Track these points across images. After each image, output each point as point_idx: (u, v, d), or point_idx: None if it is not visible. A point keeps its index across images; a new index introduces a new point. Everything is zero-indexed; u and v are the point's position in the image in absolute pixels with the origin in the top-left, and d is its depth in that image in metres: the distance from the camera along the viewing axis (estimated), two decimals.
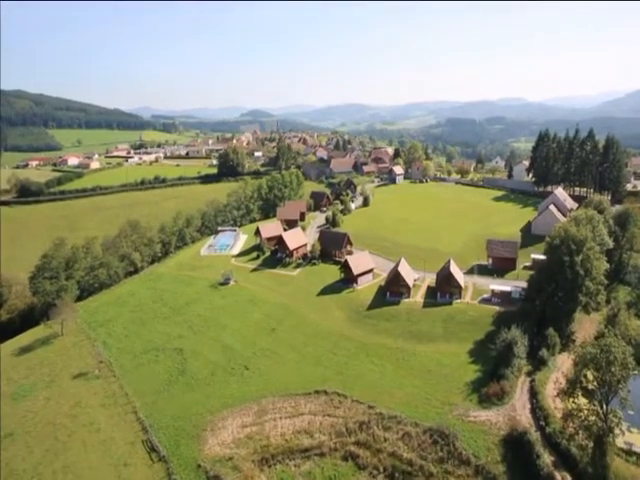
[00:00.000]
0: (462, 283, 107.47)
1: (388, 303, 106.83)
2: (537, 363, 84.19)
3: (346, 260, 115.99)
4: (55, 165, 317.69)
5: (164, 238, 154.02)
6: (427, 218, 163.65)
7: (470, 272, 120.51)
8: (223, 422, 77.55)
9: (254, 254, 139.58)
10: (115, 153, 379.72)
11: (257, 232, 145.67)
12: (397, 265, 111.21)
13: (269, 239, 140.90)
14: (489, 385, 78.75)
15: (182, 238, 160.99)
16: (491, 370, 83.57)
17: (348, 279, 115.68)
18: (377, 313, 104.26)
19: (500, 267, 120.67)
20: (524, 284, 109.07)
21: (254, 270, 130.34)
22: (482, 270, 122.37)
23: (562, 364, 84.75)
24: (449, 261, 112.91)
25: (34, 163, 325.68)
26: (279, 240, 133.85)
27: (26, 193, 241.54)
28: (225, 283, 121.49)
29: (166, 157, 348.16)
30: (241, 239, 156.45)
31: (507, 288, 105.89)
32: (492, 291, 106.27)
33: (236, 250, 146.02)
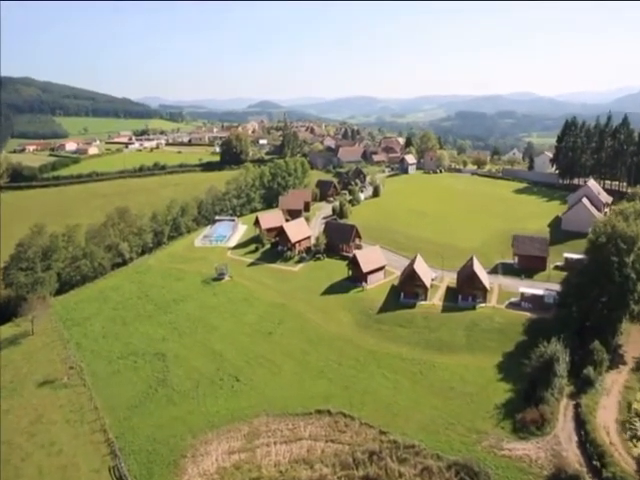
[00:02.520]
0: (487, 284, 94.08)
1: (402, 306, 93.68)
2: (581, 383, 70.91)
3: (355, 255, 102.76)
4: (53, 150, 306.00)
5: (156, 227, 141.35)
6: (443, 211, 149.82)
7: (494, 272, 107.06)
8: (207, 447, 65.23)
9: (252, 246, 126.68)
10: (116, 139, 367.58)
11: (256, 222, 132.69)
12: (413, 262, 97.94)
13: (269, 230, 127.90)
14: (525, 410, 65.67)
15: (177, 228, 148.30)
16: (526, 390, 70.46)
17: (357, 277, 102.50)
18: (390, 317, 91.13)
19: (528, 267, 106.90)
20: (556, 287, 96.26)
21: (251, 264, 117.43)
22: (507, 269, 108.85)
23: (612, 385, 71.29)
24: (472, 259, 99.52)
25: (31, 148, 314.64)
26: (280, 231, 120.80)
27: (18, 178, 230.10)
28: (219, 278, 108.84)
29: (168, 144, 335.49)
30: (240, 230, 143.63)
31: (539, 291, 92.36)
32: (522, 294, 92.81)
33: (233, 242, 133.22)
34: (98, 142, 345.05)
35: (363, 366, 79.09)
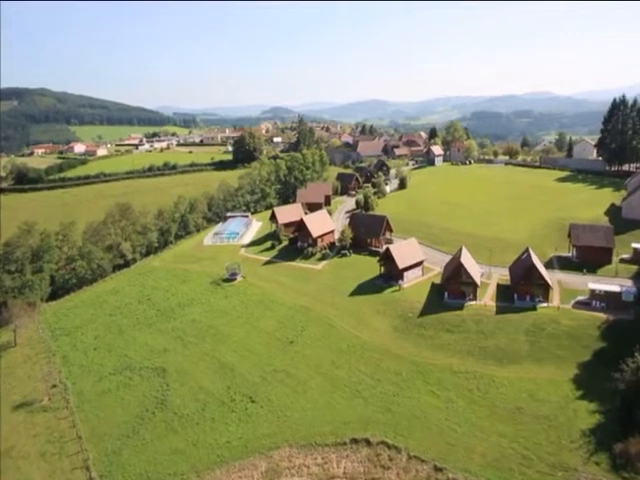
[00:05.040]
0: (549, 280, 78.62)
1: (447, 307, 78.65)
2: None
3: (388, 249, 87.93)
4: (61, 153, 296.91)
5: (162, 225, 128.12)
6: (480, 201, 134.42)
7: (549, 266, 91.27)
8: None
9: (268, 243, 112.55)
10: (127, 141, 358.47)
11: (272, 217, 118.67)
12: (458, 256, 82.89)
13: (287, 225, 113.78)
14: (628, 440, 50.21)
15: (185, 226, 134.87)
16: (619, 412, 55.06)
17: (390, 274, 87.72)
18: (433, 321, 76.10)
19: (589, 260, 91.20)
20: (628, 282, 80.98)
21: (268, 263, 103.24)
22: (564, 263, 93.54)
23: None
24: (527, 251, 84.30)
25: (40, 151, 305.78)
26: (299, 225, 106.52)
27: (23, 180, 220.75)
28: (230, 279, 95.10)
29: (179, 144, 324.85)
30: (254, 226, 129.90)
31: (614, 288, 76.45)
32: (591, 292, 77.09)
33: (247, 239, 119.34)
34: (109, 145, 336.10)
35: (406, 382, 64.30)
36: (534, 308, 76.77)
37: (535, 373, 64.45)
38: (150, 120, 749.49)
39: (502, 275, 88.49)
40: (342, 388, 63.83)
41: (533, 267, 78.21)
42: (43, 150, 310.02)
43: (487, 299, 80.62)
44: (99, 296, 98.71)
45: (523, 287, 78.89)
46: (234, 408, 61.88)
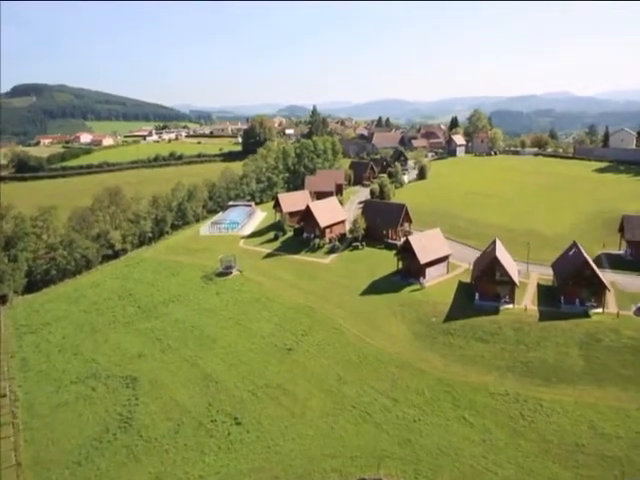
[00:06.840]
0: (605, 281, 64.81)
1: (479, 310, 65.22)
2: None
3: (407, 241, 74.62)
4: (67, 142, 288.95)
5: (157, 214, 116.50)
6: (509, 192, 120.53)
7: (598, 265, 76.87)
8: None
9: (271, 234, 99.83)
10: (136, 133, 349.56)
11: (276, 204, 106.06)
12: (492, 249, 69.41)
13: (292, 214, 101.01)
14: None
15: (183, 215, 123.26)
16: None
17: (410, 270, 74.45)
18: (463, 327, 62.75)
19: None
20: None
21: (269, 256, 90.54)
22: (615, 262, 79.76)
23: None
24: (574, 245, 70.71)
25: (46, 141, 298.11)
26: (306, 214, 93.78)
27: (24, 169, 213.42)
28: (225, 273, 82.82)
29: (188, 136, 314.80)
30: (257, 216, 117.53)
31: None
32: None
33: (248, 229, 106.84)
34: (118, 137, 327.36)
35: (430, 404, 51.20)
36: (586, 314, 63.07)
37: (595, 397, 50.93)
38: (166, 116, 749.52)
39: (542, 274, 75.14)
40: (350, 410, 50.99)
41: (586, 264, 64.67)
42: (50, 140, 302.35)
43: (527, 302, 67.09)
44: (77, 289, 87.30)
45: (572, 288, 65.17)
46: (214, 432, 49.48)
